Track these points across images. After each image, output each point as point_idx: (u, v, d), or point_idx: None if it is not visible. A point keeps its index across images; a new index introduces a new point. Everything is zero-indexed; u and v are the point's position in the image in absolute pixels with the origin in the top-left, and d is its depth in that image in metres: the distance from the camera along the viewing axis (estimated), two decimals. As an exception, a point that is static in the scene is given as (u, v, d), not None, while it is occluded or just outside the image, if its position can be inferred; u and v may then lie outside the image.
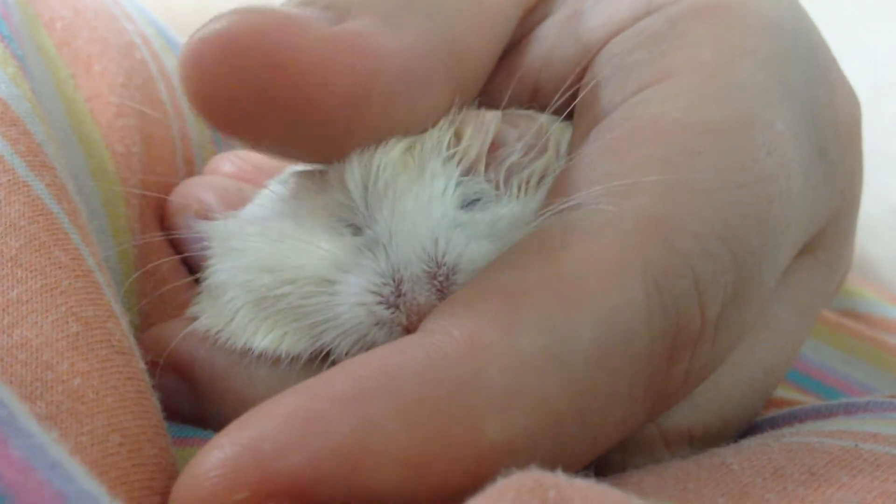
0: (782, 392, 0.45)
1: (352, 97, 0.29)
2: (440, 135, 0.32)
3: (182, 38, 0.51)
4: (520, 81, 0.36)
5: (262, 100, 0.28)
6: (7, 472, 0.19)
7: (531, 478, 0.21)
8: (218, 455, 0.23)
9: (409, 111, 0.31)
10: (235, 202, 0.39)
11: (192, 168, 0.46)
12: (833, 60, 0.36)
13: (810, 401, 0.44)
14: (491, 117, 0.33)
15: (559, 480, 0.21)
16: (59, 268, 0.28)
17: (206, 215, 0.38)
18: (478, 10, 0.32)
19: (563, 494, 0.21)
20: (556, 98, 0.34)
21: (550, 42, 0.35)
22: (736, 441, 0.31)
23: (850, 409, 0.33)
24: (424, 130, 0.32)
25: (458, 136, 0.33)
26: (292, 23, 0.28)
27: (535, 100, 0.36)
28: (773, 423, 0.35)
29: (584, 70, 0.34)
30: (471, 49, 0.32)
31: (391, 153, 0.32)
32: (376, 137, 0.31)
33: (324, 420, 0.23)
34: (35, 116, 0.32)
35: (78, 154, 0.37)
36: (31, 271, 0.27)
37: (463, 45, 0.31)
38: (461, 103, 0.32)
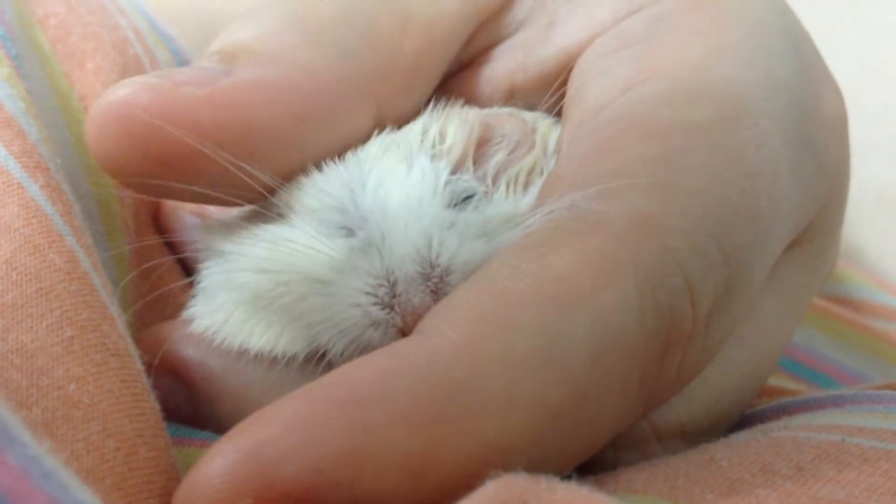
0: (773, 380, 0.45)
1: (235, 152, 0.30)
2: (425, 133, 0.32)
3: (174, 30, 0.50)
4: (492, 87, 0.37)
5: (157, 166, 0.30)
6: (4, 479, 0.19)
7: (517, 488, 0.22)
8: (220, 462, 0.23)
9: (313, 143, 0.32)
10: None
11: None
12: (817, 55, 0.36)
13: (802, 388, 0.45)
14: (475, 115, 0.33)
15: (541, 492, 0.22)
16: (54, 271, 0.28)
17: (200, 216, 0.38)
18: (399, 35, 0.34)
19: None
20: (544, 100, 0.34)
21: (522, 52, 0.36)
22: (726, 434, 0.31)
23: (838, 402, 0.33)
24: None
25: (441, 134, 0.33)
26: (168, 93, 0.30)
27: (510, 102, 0.36)
28: (763, 416, 0.35)
29: (569, 72, 0.34)
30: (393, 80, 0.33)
31: (374, 151, 0.32)
32: (284, 175, 0.33)
33: (324, 425, 0.23)
34: (30, 116, 0.32)
35: (72, 153, 0.37)
36: (25, 275, 0.27)
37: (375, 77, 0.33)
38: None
